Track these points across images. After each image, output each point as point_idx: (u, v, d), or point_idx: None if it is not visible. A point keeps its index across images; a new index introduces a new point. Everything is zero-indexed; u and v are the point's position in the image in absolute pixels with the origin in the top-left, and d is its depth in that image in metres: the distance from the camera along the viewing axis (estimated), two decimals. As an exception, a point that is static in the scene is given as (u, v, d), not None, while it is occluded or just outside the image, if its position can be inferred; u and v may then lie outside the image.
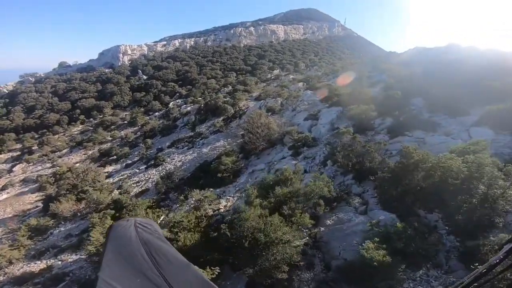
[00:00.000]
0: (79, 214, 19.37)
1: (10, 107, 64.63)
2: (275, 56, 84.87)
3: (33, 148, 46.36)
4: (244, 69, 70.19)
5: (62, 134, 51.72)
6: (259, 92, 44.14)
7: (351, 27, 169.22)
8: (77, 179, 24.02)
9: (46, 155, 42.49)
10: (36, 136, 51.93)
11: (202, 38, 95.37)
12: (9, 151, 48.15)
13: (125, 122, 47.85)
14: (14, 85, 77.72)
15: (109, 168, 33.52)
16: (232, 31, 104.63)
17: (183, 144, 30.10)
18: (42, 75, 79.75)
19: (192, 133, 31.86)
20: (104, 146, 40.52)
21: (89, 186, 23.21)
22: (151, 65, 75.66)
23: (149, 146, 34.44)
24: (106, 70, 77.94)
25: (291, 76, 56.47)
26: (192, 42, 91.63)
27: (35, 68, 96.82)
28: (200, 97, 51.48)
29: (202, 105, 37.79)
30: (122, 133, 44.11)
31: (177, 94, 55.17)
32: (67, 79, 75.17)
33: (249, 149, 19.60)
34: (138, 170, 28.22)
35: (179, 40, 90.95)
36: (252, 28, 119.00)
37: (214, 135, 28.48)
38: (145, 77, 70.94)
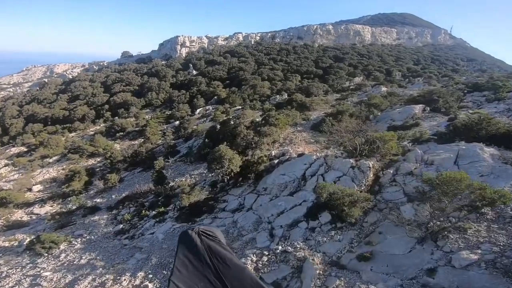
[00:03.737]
0: None
1: (60, 95, 59.42)
2: (358, 60, 62.03)
3: (38, 146, 36.52)
4: (313, 72, 50.26)
5: (79, 132, 41.37)
6: (325, 110, 24.40)
7: (461, 37, 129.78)
8: None
9: (33, 160, 31.72)
10: (60, 129, 43.01)
11: (269, 34, 78.24)
12: (23, 144, 39.85)
13: (136, 129, 33.96)
14: (79, 72, 75.23)
15: (43, 209, 19.26)
16: (305, 28, 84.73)
17: (123, 214, 13.19)
18: (105, 64, 75.07)
19: (155, 190, 14.61)
20: (81, 164, 27.00)
21: None
22: (205, 59, 62.21)
23: (112, 184, 18.79)
24: (163, 62, 68.17)
25: (384, 88, 34.41)
26: (258, 38, 75.40)
27: (114, 55, 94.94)
28: (240, 105, 34.37)
29: (218, 125, 20.22)
30: (119, 146, 30.17)
31: (215, 97, 39.16)
32: (123, 69, 67.91)
33: None
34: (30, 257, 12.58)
35: (244, 34, 75.84)
36: (330, 27, 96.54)
37: (177, 224, 10.66)
38: (195, 72, 57.78)
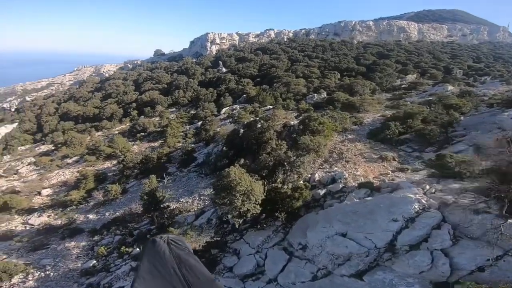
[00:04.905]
0: None
1: (95, 93, 59.63)
2: (407, 57, 54.07)
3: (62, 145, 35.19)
4: (355, 69, 43.88)
5: (105, 131, 39.69)
6: (379, 111, 18.77)
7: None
8: None
9: (53, 160, 30.12)
10: (89, 128, 41.86)
11: (303, 31, 72.35)
12: (52, 142, 39.09)
13: (158, 130, 30.88)
14: (115, 71, 76.02)
15: (39, 220, 16.44)
16: (342, 24, 77.44)
17: (104, 243, 9.33)
18: (139, 62, 74.99)
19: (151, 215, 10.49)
20: (96, 167, 24.35)
21: None
22: (236, 56, 58.55)
23: (113, 196, 15.29)
24: (193, 59, 65.92)
25: (450, 87, 27.48)
26: (291, 34, 69.98)
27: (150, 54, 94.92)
28: (271, 104, 29.73)
29: (241, 129, 15.70)
30: (137, 148, 27.16)
31: (244, 95, 34.94)
32: (154, 67, 66.91)
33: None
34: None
35: (276, 30, 70.88)
36: (371, 23, 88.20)
37: None
38: (224, 70, 54.31)
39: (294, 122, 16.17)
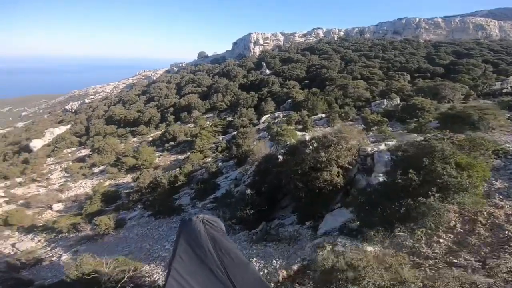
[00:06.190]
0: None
1: (140, 96, 59.37)
2: (495, 57, 42.40)
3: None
4: (430, 70, 34.71)
5: (139, 137, 37.22)
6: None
7: None
8: None
9: (81, 168, 27.73)
10: (128, 132, 39.97)
11: (356, 29, 63.42)
12: (92, 147, 37.76)
13: (188, 139, 26.61)
14: (161, 74, 76.35)
15: (25, 245, 12.93)
16: (403, 22, 66.33)
17: None
18: (183, 65, 74.02)
19: None
20: (117, 180, 20.72)
21: None
22: (280, 57, 52.92)
23: (103, 231, 10.62)
24: (236, 61, 62.06)
25: None
26: (342, 33, 61.72)
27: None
28: (324, 111, 23.25)
29: (281, 155, 9.63)
30: (163, 160, 23.06)
31: (289, 101, 28.94)
32: (197, 70, 64.77)
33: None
34: None
35: (324, 29, 63.26)
36: (439, 19, 74.98)
37: None
38: (268, 71, 49.07)
39: (374, 149, 9.64)
